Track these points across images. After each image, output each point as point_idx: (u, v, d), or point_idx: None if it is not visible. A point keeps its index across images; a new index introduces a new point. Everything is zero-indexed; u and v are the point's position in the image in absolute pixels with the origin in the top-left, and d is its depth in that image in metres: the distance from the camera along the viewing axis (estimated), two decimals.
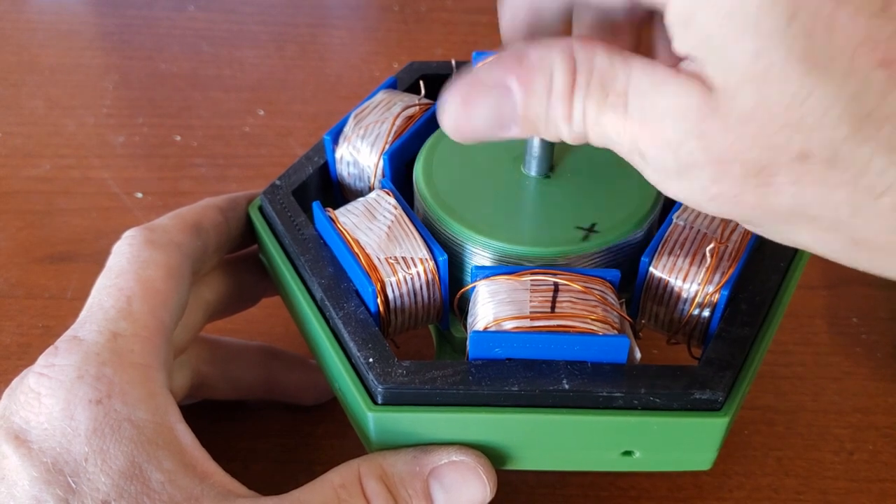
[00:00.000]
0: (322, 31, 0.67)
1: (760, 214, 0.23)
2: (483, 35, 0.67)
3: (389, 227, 0.32)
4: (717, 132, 0.22)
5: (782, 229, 0.24)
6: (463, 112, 0.26)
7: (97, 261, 0.33)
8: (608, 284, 0.30)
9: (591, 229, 0.31)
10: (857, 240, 0.23)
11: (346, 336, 0.31)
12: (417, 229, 0.32)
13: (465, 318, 0.31)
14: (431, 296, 0.32)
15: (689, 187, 0.24)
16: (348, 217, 0.33)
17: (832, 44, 0.20)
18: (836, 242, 0.23)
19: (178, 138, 0.57)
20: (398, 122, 0.36)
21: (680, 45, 0.23)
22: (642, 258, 0.31)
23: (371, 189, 0.36)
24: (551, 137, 0.26)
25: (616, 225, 0.32)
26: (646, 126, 0.23)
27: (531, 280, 0.30)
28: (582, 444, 0.30)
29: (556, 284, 0.30)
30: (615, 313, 0.30)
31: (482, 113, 0.26)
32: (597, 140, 0.25)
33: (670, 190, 0.24)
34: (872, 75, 0.20)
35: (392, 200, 0.33)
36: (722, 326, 0.31)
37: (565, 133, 0.25)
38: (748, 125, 0.22)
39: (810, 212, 0.23)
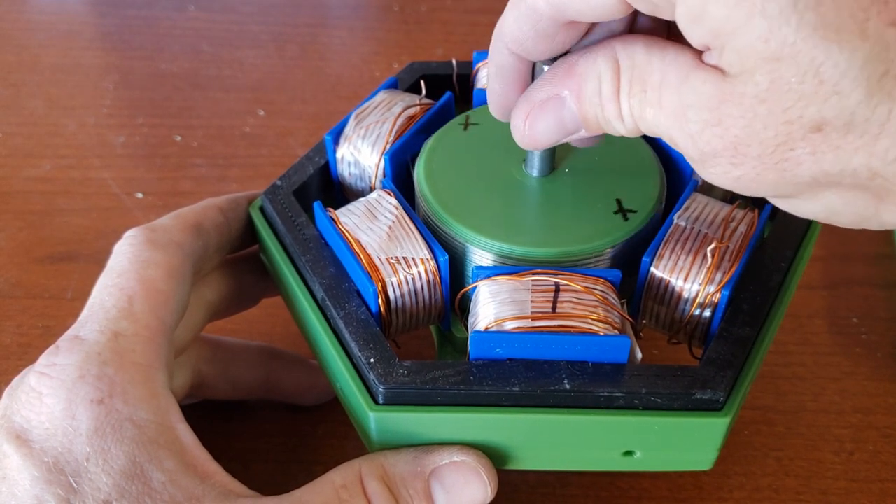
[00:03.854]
0: (322, 31, 0.67)
1: (784, 188, 0.24)
2: (483, 35, 0.67)
3: (390, 228, 0.32)
4: (733, 117, 0.23)
5: (810, 197, 0.25)
6: (527, 129, 0.28)
7: (97, 261, 0.33)
8: (609, 284, 0.30)
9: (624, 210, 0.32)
10: (881, 195, 0.23)
11: (347, 336, 0.31)
12: (418, 229, 0.32)
13: (467, 319, 0.31)
14: (432, 296, 0.32)
15: (714, 172, 0.25)
16: (349, 217, 0.33)
17: (841, 10, 0.21)
18: (862, 200, 0.24)
19: (178, 138, 0.57)
20: (399, 122, 0.36)
21: (696, 41, 0.23)
22: (643, 258, 0.31)
23: (372, 189, 0.36)
24: (616, 133, 0.27)
25: (617, 225, 0.32)
26: (675, 118, 0.24)
27: (532, 280, 0.30)
28: (583, 443, 0.30)
29: (557, 285, 0.30)
30: (616, 313, 0.30)
31: (544, 126, 0.28)
32: (648, 131, 0.26)
33: (703, 176, 0.25)
34: (886, 34, 0.21)
35: (393, 200, 0.33)
36: (723, 326, 0.31)
37: (621, 129, 0.27)
38: (763, 105, 0.22)
39: (831, 179, 0.23)
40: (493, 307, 0.29)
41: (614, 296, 0.30)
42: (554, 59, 0.28)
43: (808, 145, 0.22)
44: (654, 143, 0.35)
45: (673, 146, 0.26)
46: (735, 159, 0.24)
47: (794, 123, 0.22)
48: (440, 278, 0.32)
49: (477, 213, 0.32)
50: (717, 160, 0.24)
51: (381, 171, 0.35)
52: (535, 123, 0.28)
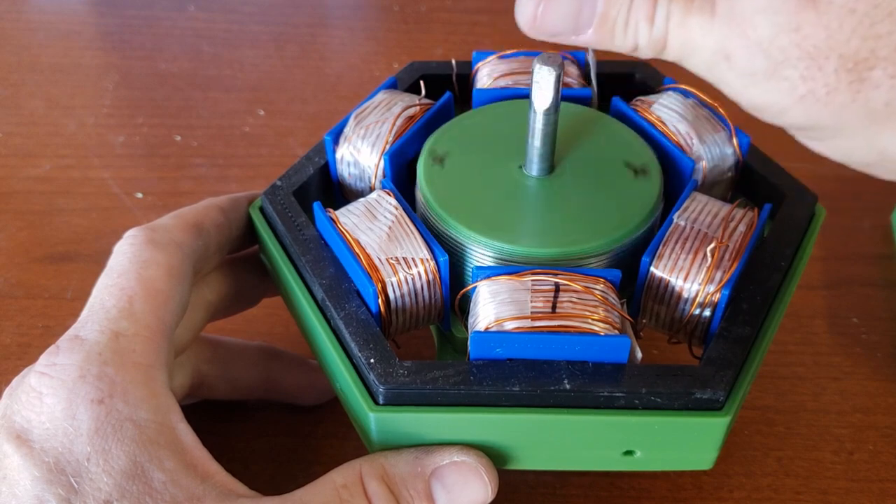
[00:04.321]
0: (322, 31, 0.67)
1: (849, 115, 0.22)
2: (483, 35, 0.67)
3: (390, 228, 0.32)
4: (813, 24, 0.22)
5: (867, 134, 0.23)
6: (544, 3, 0.25)
7: (97, 261, 0.33)
8: (609, 284, 0.30)
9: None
10: None
11: (347, 336, 0.31)
12: (418, 229, 0.32)
13: (467, 319, 0.31)
14: (432, 296, 0.32)
15: (776, 88, 0.23)
16: (349, 217, 0.33)
17: None
18: None
19: (178, 138, 0.57)
20: (399, 123, 0.36)
21: None
22: (643, 258, 0.31)
23: (372, 189, 0.36)
24: (625, 45, 0.25)
25: (617, 225, 0.32)
26: (735, 25, 0.23)
27: (532, 280, 0.30)
28: (583, 443, 0.30)
29: (556, 285, 0.30)
30: (616, 313, 0.30)
31: (563, 6, 0.25)
32: (676, 46, 0.24)
33: (754, 97, 0.24)
34: None
35: (393, 201, 0.33)
36: (723, 326, 0.31)
37: (644, 37, 0.25)
38: (850, 15, 0.21)
39: None
40: (492, 307, 0.29)
41: (614, 295, 0.30)
42: None
43: (890, 66, 0.21)
44: (654, 143, 0.35)
45: (713, 63, 0.23)
46: (808, 71, 0.22)
47: (882, 38, 0.21)
48: (440, 278, 0.32)
49: (477, 213, 0.32)
50: (788, 71, 0.22)
51: (380, 172, 0.35)
52: (553, 2, 0.25)
